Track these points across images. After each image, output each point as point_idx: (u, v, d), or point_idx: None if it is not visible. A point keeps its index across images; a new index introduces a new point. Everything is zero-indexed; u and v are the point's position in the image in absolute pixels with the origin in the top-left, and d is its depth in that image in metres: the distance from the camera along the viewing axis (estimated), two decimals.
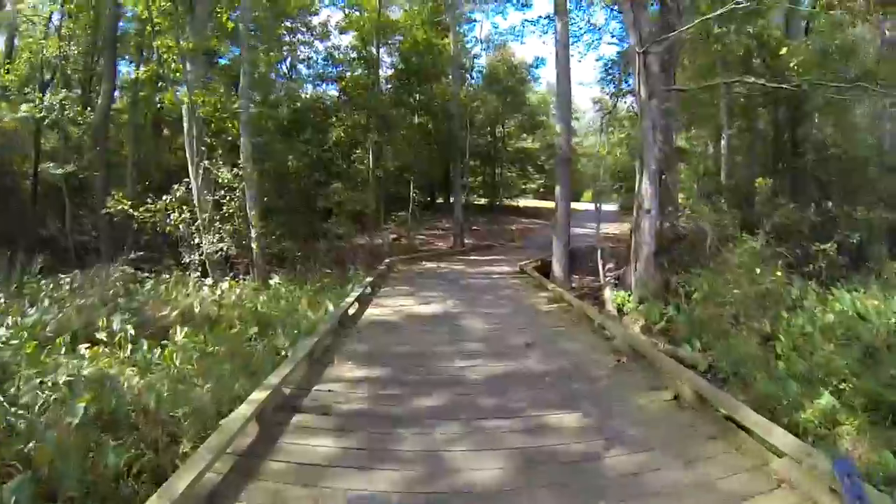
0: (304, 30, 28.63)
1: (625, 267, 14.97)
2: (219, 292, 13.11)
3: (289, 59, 28.85)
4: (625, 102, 23.69)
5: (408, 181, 25.81)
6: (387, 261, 16.32)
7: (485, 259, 19.15)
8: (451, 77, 25.44)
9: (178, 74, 16.36)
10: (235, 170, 15.68)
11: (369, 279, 12.83)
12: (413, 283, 13.66)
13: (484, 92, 36.28)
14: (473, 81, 35.31)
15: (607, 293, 14.31)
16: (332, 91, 30.27)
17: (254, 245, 15.76)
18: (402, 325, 9.14)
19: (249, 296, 12.93)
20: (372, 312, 10.01)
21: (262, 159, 22.13)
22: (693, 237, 17.47)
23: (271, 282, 14.43)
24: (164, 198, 15.36)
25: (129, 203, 15.32)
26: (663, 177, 13.82)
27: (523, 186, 48.26)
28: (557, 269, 15.52)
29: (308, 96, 30.20)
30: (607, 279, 15.12)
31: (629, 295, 13.57)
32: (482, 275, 15.21)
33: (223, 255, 16.10)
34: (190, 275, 14.86)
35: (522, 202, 45.46)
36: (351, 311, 9.75)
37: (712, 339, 9.58)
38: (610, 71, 23.38)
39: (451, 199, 28.10)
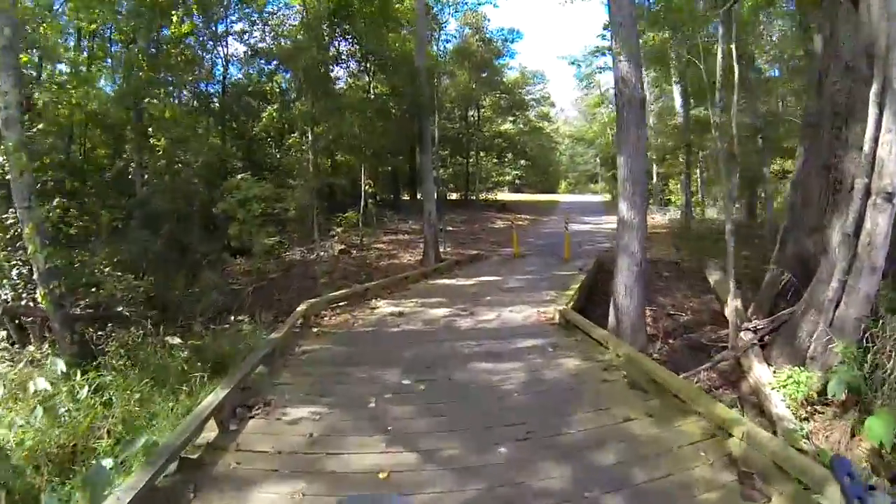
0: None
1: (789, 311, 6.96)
2: None
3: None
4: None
5: (361, 169, 17.59)
6: (303, 307, 8.00)
7: (480, 288, 10.75)
8: (415, 22, 16.85)
9: None
10: None
11: (219, 395, 4.59)
12: (338, 387, 5.34)
13: (454, 66, 28.54)
14: (441, 51, 27.23)
15: (759, 371, 6.37)
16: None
17: (39, 293, 7.61)
18: None
19: None
20: None
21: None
22: None
23: (31, 384, 6.14)
24: None
25: None
26: None
27: (496, 179, 40.43)
28: (627, 311, 7.52)
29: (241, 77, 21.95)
30: (745, 334, 7.12)
31: (811, 374, 5.88)
32: (491, 341, 6.72)
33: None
34: None
35: (500, 196, 37.73)
36: None
37: None
38: None
39: (419, 195, 19.91)
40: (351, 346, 6.73)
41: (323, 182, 18.40)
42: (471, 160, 33.74)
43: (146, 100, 13.98)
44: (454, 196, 34.44)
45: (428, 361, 5.90)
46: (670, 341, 8.60)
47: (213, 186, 13.98)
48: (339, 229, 16.97)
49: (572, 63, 34.85)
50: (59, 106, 14.65)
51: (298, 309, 7.93)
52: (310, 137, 14.75)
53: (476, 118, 33.41)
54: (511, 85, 33.68)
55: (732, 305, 7.09)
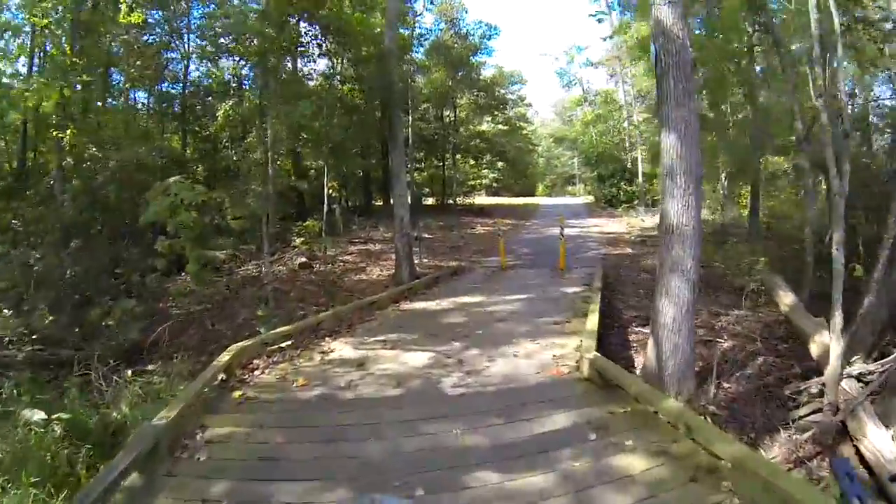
0: None
1: None
2: None
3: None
4: None
5: (324, 171, 15.18)
6: (226, 357, 5.60)
7: (466, 315, 8.32)
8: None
9: None
10: None
11: None
12: None
13: (429, 62, 26.48)
14: (416, 45, 25.02)
15: (876, 439, 4.21)
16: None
17: None
18: None
19: None
20: None
21: None
22: None
23: None
24: None
25: None
26: None
27: (472, 183, 38.23)
28: (674, 351, 5.37)
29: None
30: (846, 382, 4.99)
31: None
32: (495, 419, 4.21)
33: None
34: None
35: (478, 200, 35.68)
36: None
37: None
38: None
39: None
40: (281, 427, 4.35)
41: (285, 185, 16.08)
42: (447, 162, 31.51)
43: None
44: (430, 201, 32.25)
45: (396, 470, 3.53)
46: (723, 383, 6.41)
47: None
48: (298, 240, 14.58)
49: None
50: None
51: (219, 359, 5.57)
52: (269, 133, 12.35)
53: (452, 118, 31.19)
54: (489, 82, 31.44)
55: (837, 348, 4.89)
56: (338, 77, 14.43)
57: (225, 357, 5.63)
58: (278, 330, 6.95)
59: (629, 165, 30.68)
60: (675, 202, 5.22)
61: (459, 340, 6.64)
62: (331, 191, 15.08)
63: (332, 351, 6.46)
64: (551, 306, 8.54)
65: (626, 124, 31.78)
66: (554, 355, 5.82)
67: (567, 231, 18.27)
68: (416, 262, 13.79)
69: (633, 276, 12.10)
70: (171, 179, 10.62)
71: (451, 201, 30.48)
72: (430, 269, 13.37)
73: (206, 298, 11.46)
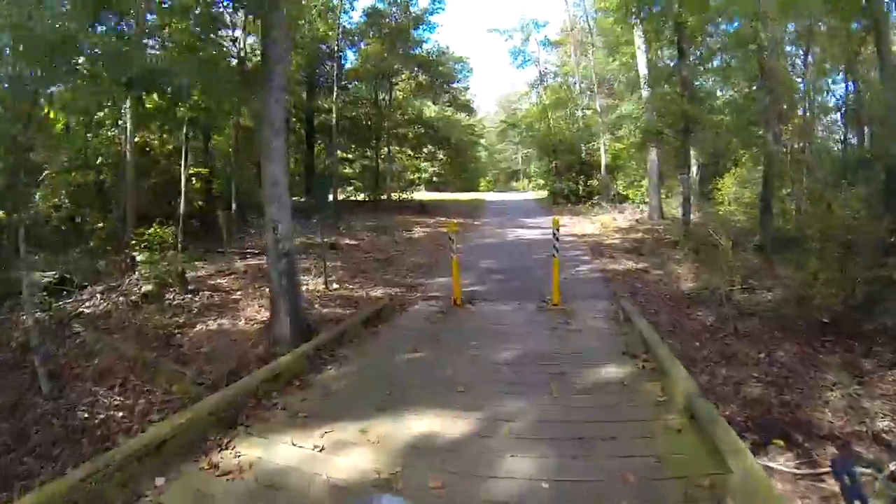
0: None
1: None
2: None
3: None
4: None
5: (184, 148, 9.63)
6: None
7: None
8: None
9: None
10: None
11: None
12: None
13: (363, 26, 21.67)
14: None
15: None
16: None
17: None
18: None
19: None
20: None
21: None
22: None
23: None
24: None
25: None
26: None
27: (411, 177, 33.17)
28: None
29: None
30: None
31: None
32: None
33: None
34: None
35: (418, 196, 30.73)
36: None
37: None
38: None
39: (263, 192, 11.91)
40: None
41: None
42: (382, 153, 26.16)
43: None
44: (361, 197, 27.12)
45: None
46: None
47: None
48: (140, 256, 9.06)
49: None
50: None
51: None
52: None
53: (388, 101, 25.86)
54: (433, 58, 26.28)
55: None
56: None
57: None
58: None
59: (585, 157, 26.32)
60: None
61: None
62: (194, 180, 9.60)
63: None
64: (614, 467, 3.45)
65: (579, 113, 27.50)
66: None
67: (531, 234, 13.56)
68: (323, 286, 8.64)
69: (668, 313, 7.18)
70: None
71: (385, 197, 25.31)
72: (337, 304, 8.14)
73: None
